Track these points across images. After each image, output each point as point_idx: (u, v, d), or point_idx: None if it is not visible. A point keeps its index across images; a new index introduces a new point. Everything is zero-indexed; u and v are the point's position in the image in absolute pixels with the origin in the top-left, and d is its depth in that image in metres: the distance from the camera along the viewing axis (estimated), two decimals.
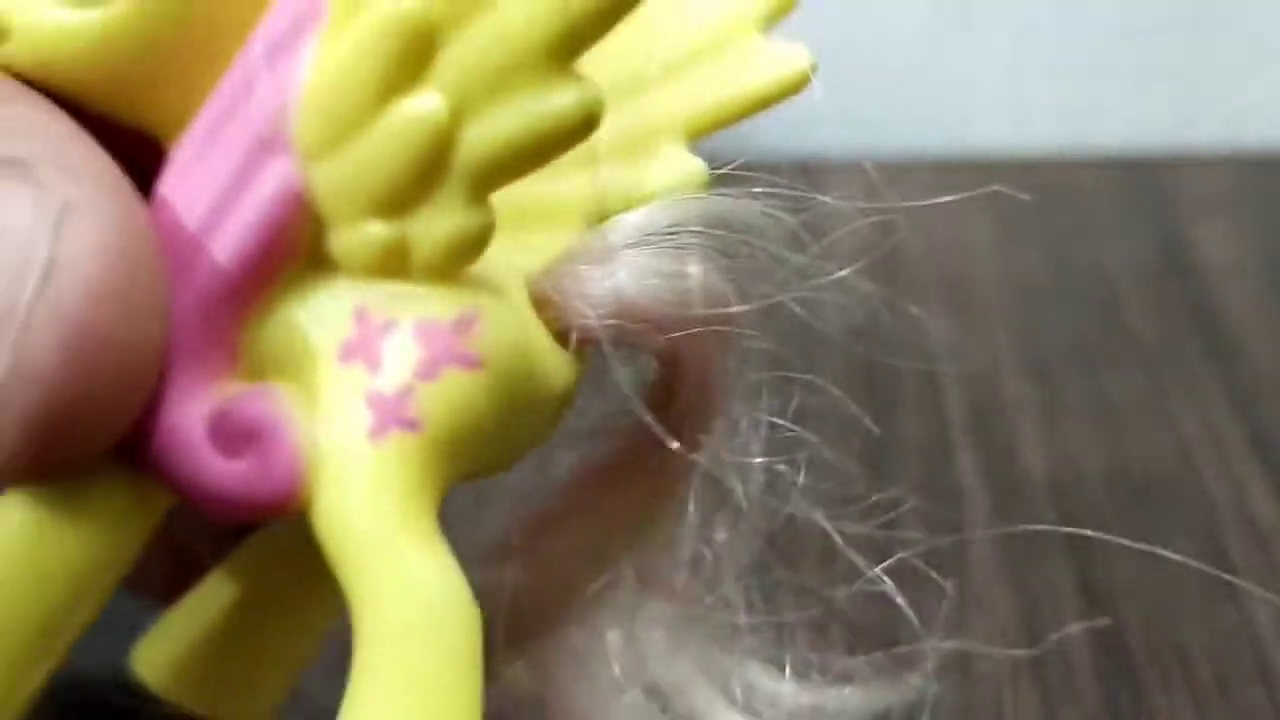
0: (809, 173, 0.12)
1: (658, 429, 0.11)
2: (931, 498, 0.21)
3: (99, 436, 0.10)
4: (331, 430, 0.10)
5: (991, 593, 0.19)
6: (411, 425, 0.10)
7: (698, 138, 0.12)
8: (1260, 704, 0.17)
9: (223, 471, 0.10)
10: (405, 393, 0.10)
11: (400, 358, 0.10)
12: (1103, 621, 0.18)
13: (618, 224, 0.11)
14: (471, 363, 0.10)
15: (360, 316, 0.10)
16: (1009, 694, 0.17)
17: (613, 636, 0.12)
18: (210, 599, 0.13)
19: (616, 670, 0.12)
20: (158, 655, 0.13)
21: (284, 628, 0.13)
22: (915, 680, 0.14)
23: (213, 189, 0.10)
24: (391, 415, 0.10)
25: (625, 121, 0.11)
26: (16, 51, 0.10)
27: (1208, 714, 0.17)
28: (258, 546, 0.13)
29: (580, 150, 0.10)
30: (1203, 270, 0.29)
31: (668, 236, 0.11)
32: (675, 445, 0.11)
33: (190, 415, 0.10)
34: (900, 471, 0.22)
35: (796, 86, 0.11)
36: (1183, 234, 0.31)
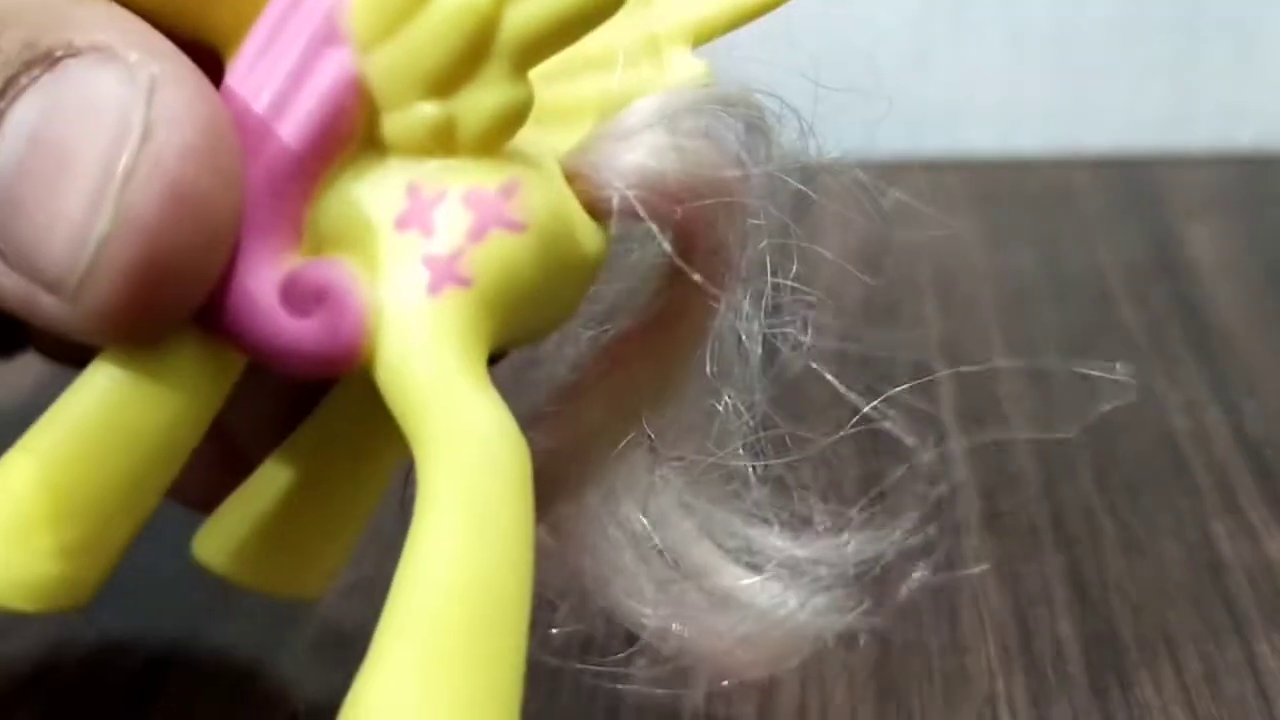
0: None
1: (695, 279, 0.12)
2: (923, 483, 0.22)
3: (190, 292, 0.11)
4: (392, 289, 0.11)
5: (984, 586, 0.19)
6: (464, 282, 0.11)
7: (700, 44, 0.13)
8: (1249, 698, 0.17)
9: (295, 330, 0.11)
10: (457, 254, 0.11)
11: (451, 223, 0.11)
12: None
13: (638, 107, 0.12)
14: (515, 225, 0.11)
15: (412, 190, 0.11)
16: (1001, 686, 0.17)
17: (627, 498, 0.13)
18: (265, 485, 0.14)
19: (631, 529, 0.13)
20: (218, 541, 0.14)
21: (335, 507, 0.14)
22: (903, 528, 0.15)
23: (277, 79, 0.11)
24: (446, 273, 0.11)
25: (636, 30, 0.12)
26: None
27: (1197, 706, 0.17)
28: (308, 435, 0.14)
29: (595, 55, 0.11)
30: (1193, 269, 0.29)
31: (683, 117, 0.12)
32: (703, 302, 0.12)
33: (263, 281, 0.11)
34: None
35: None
36: (1174, 233, 0.31)
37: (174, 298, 0.11)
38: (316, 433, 0.14)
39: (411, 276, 0.11)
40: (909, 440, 0.15)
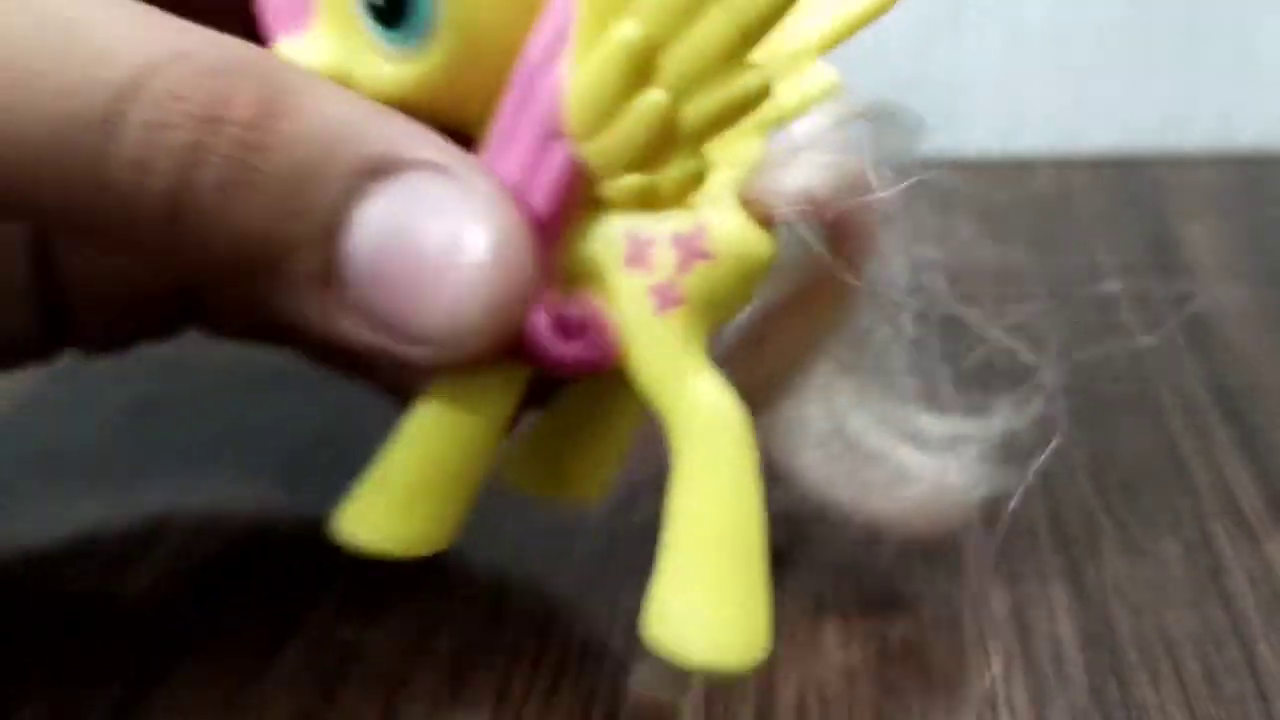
0: None
1: (841, 265, 0.16)
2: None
3: (512, 335, 0.15)
4: (632, 313, 0.15)
5: (983, 586, 0.19)
6: (680, 302, 0.15)
7: (824, 53, 0.16)
8: (1249, 699, 0.17)
9: (568, 351, 0.15)
10: (672, 283, 0.15)
11: (664, 261, 0.15)
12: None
13: (794, 131, 0.15)
14: (709, 256, 0.15)
15: (631, 237, 0.15)
16: (1000, 687, 0.17)
17: (815, 405, 0.18)
18: (553, 422, 0.18)
19: (820, 431, 0.18)
20: (521, 467, 0.19)
21: (607, 436, 0.18)
22: (1036, 406, 0.19)
23: (520, 164, 0.15)
24: (667, 298, 0.15)
25: (774, 48, 0.15)
26: (357, 88, 0.15)
27: (1196, 708, 0.17)
28: (583, 385, 0.18)
29: None
30: (1192, 269, 0.29)
31: (830, 136, 0.15)
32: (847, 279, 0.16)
33: (540, 318, 0.15)
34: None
35: (885, 8, 0.16)
36: (1173, 233, 0.31)
37: (502, 342, 0.15)
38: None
39: (644, 304, 0.15)
40: (1027, 356, 0.19)
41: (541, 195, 0.15)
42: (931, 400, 0.18)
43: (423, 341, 0.15)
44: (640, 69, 0.14)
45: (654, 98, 0.14)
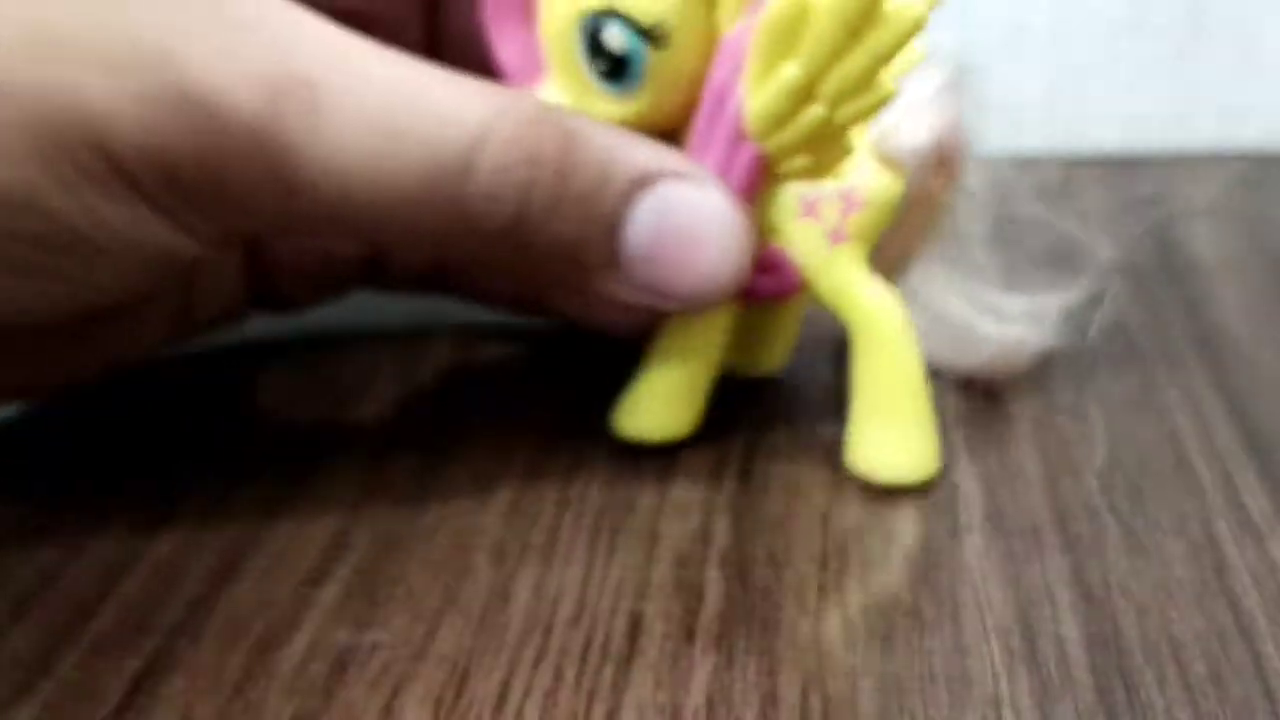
0: None
1: (937, 188, 0.22)
2: (924, 492, 0.22)
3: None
4: (810, 251, 0.22)
5: (987, 587, 0.19)
6: (846, 238, 0.21)
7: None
8: (1255, 699, 0.17)
9: (765, 282, 0.22)
10: (839, 227, 0.21)
11: (830, 211, 0.21)
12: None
13: (905, 99, 0.21)
14: (861, 204, 0.21)
15: (803, 199, 0.21)
16: (1005, 688, 0.17)
17: (915, 283, 0.24)
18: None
19: (922, 306, 0.24)
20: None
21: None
22: (1086, 283, 0.25)
23: (716, 159, 0.21)
24: (836, 237, 0.21)
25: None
26: None
27: (1202, 709, 0.17)
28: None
29: None
30: (1196, 267, 0.29)
31: (934, 98, 0.22)
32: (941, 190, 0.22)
33: None
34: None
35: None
36: (1176, 231, 0.31)
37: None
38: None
39: (819, 242, 0.22)
40: (1088, 240, 0.26)
41: (735, 180, 0.21)
42: (1006, 283, 0.25)
43: (684, 299, 0.20)
44: (803, 95, 0.19)
45: (815, 112, 0.20)
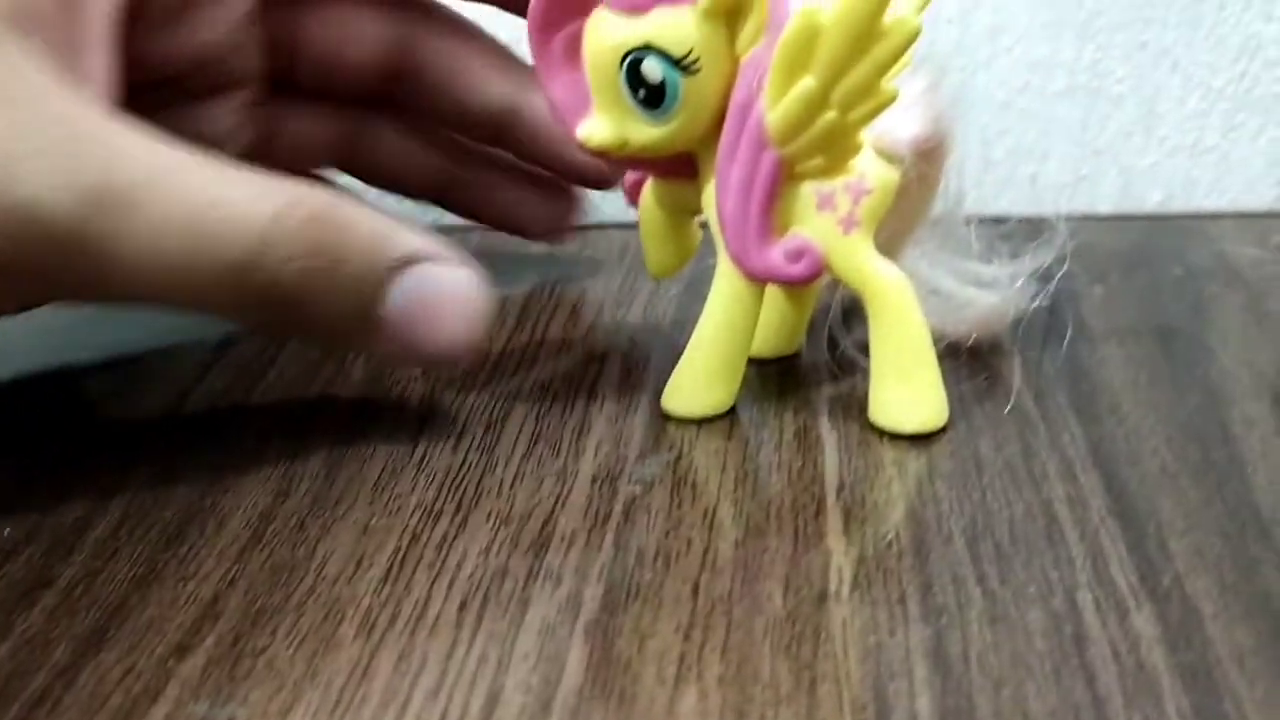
0: None
1: (926, 174, 0.25)
2: (796, 563, 0.22)
3: None
4: (829, 238, 0.25)
5: (848, 659, 0.19)
6: (857, 224, 0.25)
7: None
8: None
9: (794, 270, 0.25)
10: (850, 214, 0.25)
11: (842, 202, 0.25)
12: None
13: (903, 95, 0.24)
14: (868, 192, 0.25)
15: (818, 192, 0.25)
16: None
17: (912, 259, 0.27)
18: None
19: (918, 272, 0.27)
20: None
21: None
22: (1050, 251, 0.29)
23: (744, 165, 0.24)
24: (849, 224, 0.25)
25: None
26: (631, 146, 0.25)
27: None
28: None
29: None
30: (1088, 333, 0.30)
31: (924, 94, 0.25)
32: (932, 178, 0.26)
33: (775, 251, 0.25)
34: (767, 541, 0.22)
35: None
36: (1072, 294, 0.31)
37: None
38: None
39: (834, 230, 0.25)
40: (1052, 223, 0.30)
41: (761, 183, 0.24)
42: (986, 255, 0.29)
43: (434, 359, 0.24)
44: (818, 104, 0.23)
45: (829, 116, 0.23)
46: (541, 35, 0.24)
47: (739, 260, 0.25)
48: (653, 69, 0.23)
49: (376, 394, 0.28)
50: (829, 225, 0.25)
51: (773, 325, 0.28)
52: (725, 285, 0.25)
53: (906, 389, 0.25)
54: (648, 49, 0.23)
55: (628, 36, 0.23)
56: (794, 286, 0.27)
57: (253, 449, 0.26)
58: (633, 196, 0.28)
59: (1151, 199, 0.39)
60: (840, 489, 0.24)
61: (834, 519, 0.23)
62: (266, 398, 0.28)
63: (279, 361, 0.30)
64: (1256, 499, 0.23)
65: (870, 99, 0.23)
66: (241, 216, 0.22)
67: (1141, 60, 0.37)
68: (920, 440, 0.25)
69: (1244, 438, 0.25)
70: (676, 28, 0.23)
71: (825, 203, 0.25)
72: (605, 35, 0.24)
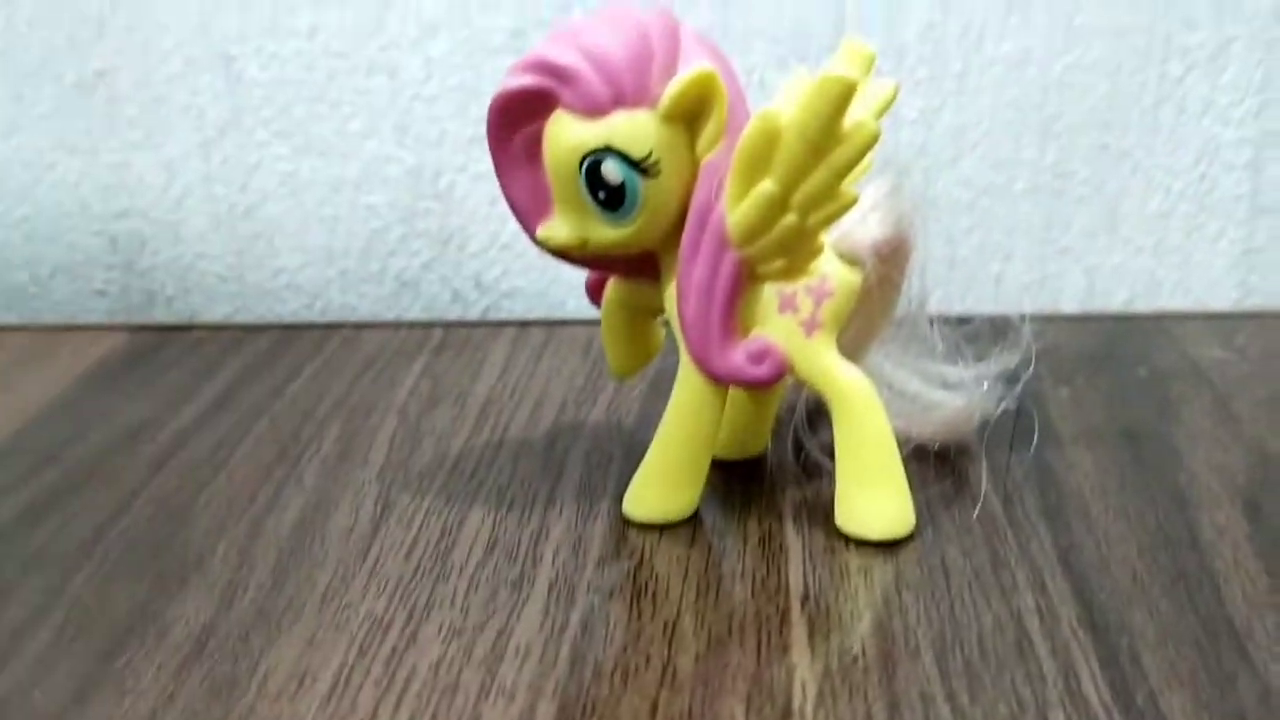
0: None
1: (891, 276, 0.26)
2: (759, 679, 0.21)
3: None
4: (791, 340, 0.25)
5: None
6: (820, 326, 0.25)
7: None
8: None
9: (758, 372, 0.25)
10: (812, 316, 0.25)
11: (805, 303, 0.25)
12: None
13: (864, 199, 0.24)
14: (830, 294, 0.25)
15: (780, 293, 0.25)
16: None
17: (881, 362, 0.28)
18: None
19: (883, 375, 0.27)
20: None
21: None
22: (1016, 353, 0.29)
23: (705, 266, 0.24)
24: (811, 326, 0.25)
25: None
26: (591, 247, 0.24)
27: None
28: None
29: None
30: (1054, 436, 0.29)
31: (879, 208, 0.25)
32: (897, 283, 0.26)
33: (738, 353, 0.25)
34: (729, 654, 0.22)
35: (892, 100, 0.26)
36: (1038, 395, 0.31)
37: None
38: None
39: (797, 332, 0.25)
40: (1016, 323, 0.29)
41: (722, 285, 0.24)
42: (951, 357, 0.29)
43: None
44: (778, 207, 0.23)
45: (788, 220, 0.23)
46: (501, 134, 0.24)
47: (701, 362, 0.24)
48: (612, 170, 0.23)
49: (330, 496, 0.27)
50: (791, 327, 0.24)
51: (736, 427, 0.28)
52: (687, 387, 0.25)
53: (872, 494, 0.25)
54: (607, 150, 0.23)
55: (587, 138, 0.23)
56: (757, 389, 0.26)
57: (199, 554, 0.25)
58: (594, 296, 0.27)
59: (1117, 298, 0.39)
60: (805, 599, 0.23)
61: (799, 630, 0.22)
62: (216, 500, 0.27)
63: (230, 463, 0.29)
64: (1229, 611, 0.23)
65: (830, 202, 0.23)
66: None
67: (1103, 162, 0.37)
68: (887, 547, 0.25)
69: (1215, 545, 0.25)
70: (636, 130, 0.23)
71: (787, 304, 0.24)
72: (565, 136, 0.23)
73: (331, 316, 0.40)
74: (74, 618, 0.23)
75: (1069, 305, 0.39)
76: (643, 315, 0.27)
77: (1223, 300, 0.39)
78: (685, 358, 0.25)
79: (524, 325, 0.38)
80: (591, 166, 0.23)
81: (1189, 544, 0.25)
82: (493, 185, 0.38)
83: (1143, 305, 0.39)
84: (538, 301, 0.40)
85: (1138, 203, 0.38)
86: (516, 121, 0.24)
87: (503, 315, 0.40)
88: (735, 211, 0.23)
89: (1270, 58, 0.36)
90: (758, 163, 0.23)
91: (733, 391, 0.26)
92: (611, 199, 0.24)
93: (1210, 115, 0.37)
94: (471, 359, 0.35)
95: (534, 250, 0.39)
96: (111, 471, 0.29)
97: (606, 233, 0.24)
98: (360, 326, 0.38)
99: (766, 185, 0.23)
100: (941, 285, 0.38)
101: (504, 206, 0.39)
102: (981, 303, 0.39)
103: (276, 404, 0.32)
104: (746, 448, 0.28)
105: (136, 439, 0.30)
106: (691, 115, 0.23)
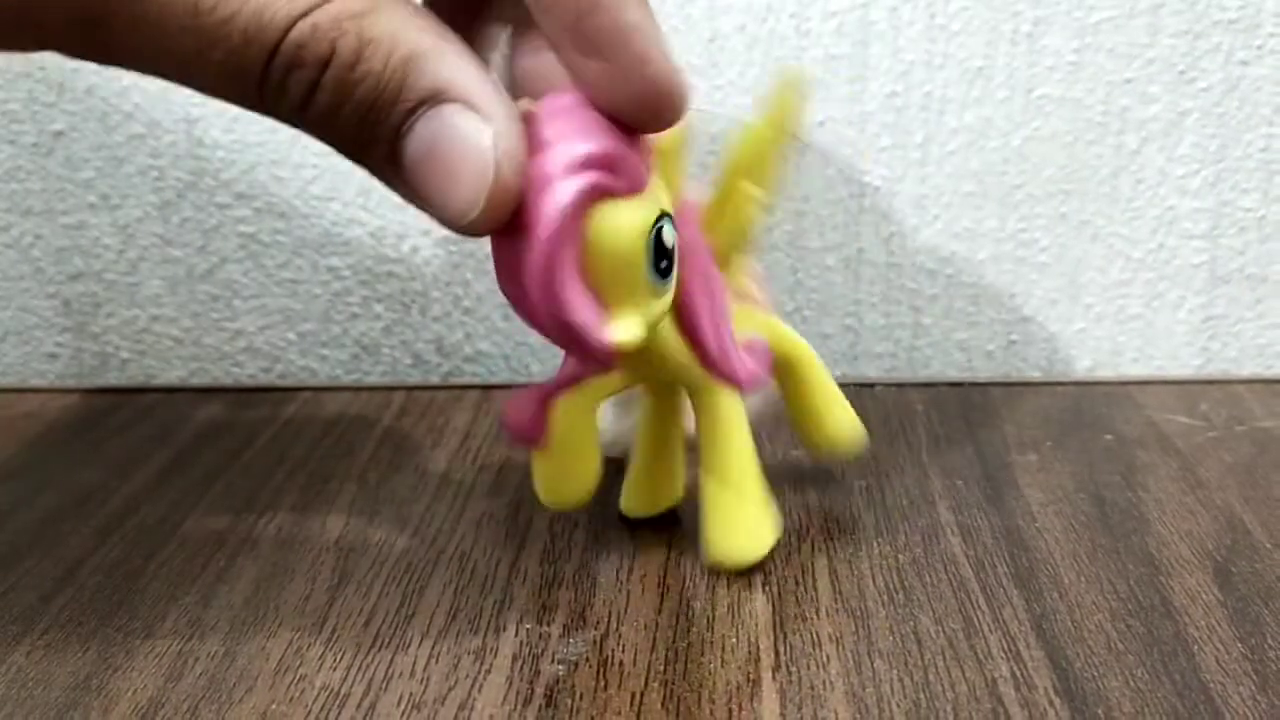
0: None
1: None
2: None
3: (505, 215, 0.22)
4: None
5: None
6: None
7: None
8: None
9: (766, 361, 0.27)
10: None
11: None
12: None
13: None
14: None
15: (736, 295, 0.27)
16: None
17: None
18: (640, 465, 0.28)
19: None
20: (630, 501, 0.28)
21: (674, 460, 0.28)
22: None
23: (705, 300, 0.25)
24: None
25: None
26: (651, 328, 0.23)
27: None
28: (648, 434, 0.28)
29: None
30: (1023, 502, 0.29)
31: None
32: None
33: (748, 358, 0.26)
34: (699, 668, 0.21)
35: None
36: (1007, 462, 0.31)
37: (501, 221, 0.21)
38: (651, 431, 0.28)
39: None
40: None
41: (719, 304, 0.25)
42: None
43: (444, 218, 0.21)
44: (742, 242, 0.26)
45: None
46: (567, 247, 0.21)
47: (733, 378, 0.26)
48: (669, 233, 0.22)
49: (286, 563, 0.27)
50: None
51: (650, 480, 0.28)
52: (734, 415, 0.26)
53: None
54: (665, 215, 0.22)
55: (647, 214, 0.22)
56: (752, 386, 0.26)
57: (146, 624, 0.24)
58: (535, 433, 0.25)
59: (1080, 365, 0.39)
60: (776, 668, 0.23)
61: (770, 702, 0.21)
62: (166, 567, 0.26)
63: (182, 529, 0.28)
64: (1205, 678, 0.22)
65: (743, 239, 0.26)
66: (257, 13, 0.20)
67: (1063, 230, 0.38)
68: (859, 614, 0.24)
69: (1188, 611, 0.24)
70: (662, 187, 0.23)
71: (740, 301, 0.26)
72: (628, 221, 0.22)
73: (290, 380, 0.40)
74: (13, 694, 0.22)
75: (1034, 372, 0.39)
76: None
77: (1184, 367, 0.39)
78: (716, 399, 0.26)
79: (487, 389, 0.37)
80: (655, 237, 0.22)
81: (1162, 611, 0.24)
82: (456, 248, 0.38)
83: (1106, 372, 0.39)
84: (500, 365, 0.39)
85: (1098, 271, 0.38)
86: (570, 238, 0.21)
87: (465, 380, 0.39)
88: (720, 228, 0.25)
89: (1224, 130, 0.37)
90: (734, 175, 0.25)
91: (643, 445, 0.28)
92: (670, 265, 0.23)
93: (1167, 185, 0.37)
94: (433, 424, 0.34)
95: (497, 314, 0.39)
96: (57, 538, 0.28)
97: (656, 307, 0.23)
98: (319, 390, 0.37)
99: (755, 191, 0.25)
100: (906, 351, 0.38)
101: (467, 271, 0.39)
102: (948, 369, 0.39)
103: (232, 469, 0.32)
104: (658, 501, 0.28)
105: (85, 505, 0.29)
106: (668, 155, 0.23)
